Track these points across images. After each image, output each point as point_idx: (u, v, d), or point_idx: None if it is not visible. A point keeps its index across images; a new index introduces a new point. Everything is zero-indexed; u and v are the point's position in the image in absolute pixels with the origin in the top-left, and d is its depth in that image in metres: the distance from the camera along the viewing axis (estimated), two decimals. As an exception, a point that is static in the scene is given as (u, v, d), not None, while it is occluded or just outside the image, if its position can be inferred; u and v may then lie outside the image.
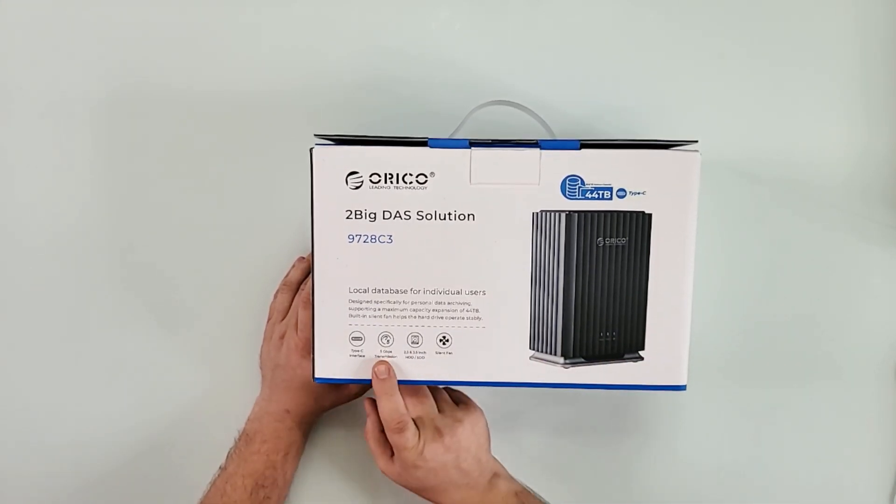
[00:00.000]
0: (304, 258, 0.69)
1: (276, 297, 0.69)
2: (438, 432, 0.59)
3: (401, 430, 0.58)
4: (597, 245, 0.55)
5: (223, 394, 0.71)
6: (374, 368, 0.57)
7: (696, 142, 0.55)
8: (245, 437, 0.66)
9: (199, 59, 0.69)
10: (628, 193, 0.54)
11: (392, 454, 0.60)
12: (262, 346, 0.69)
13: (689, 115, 0.68)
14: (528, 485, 0.63)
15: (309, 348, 0.60)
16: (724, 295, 0.69)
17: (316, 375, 0.57)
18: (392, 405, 0.57)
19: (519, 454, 0.67)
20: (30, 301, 0.71)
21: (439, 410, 0.61)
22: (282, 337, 0.66)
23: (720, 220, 0.68)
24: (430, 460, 0.58)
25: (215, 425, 0.69)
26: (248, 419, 0.68)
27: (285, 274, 0.69)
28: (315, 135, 0.56)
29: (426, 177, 0.54)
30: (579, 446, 0.71)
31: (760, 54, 0.68)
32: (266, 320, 0.69)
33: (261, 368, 0.69)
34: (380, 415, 0.59)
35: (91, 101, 0.69)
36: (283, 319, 0.67)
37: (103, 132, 0.69)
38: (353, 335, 0.57)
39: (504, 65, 0.68)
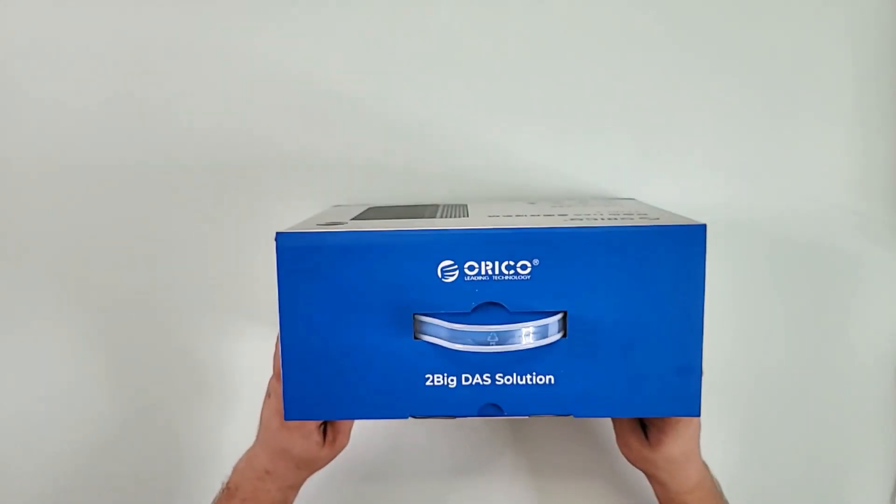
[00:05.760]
0: None
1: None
2: None
3: None
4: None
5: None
6: None
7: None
8: (227, 491, 0.61)
9: (200, 62, 0.68)
10: None
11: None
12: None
13: (688, 115, 0.67)
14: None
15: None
16: (724, 295, 0.68)
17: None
18: None
19: (517, 452, 0.67)
20: (34, 301, 0.71)
21: None
22: (269, 396, 0.61)
23: (719, 221, 0.67)
24: None
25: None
26: (234, 468, 0.62)
27: None
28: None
29: None
30: (577, 445, 0.71)
31: (760, 53, 0.67)
32: None
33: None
34: None
35: (92, 103, 0.68)
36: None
37: (104, 131, 0.69)
38: None
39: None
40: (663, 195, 0.67)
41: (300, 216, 0.57)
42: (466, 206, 0.61)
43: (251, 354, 0.69)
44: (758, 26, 0.66)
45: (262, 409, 0.62)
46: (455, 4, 0.67)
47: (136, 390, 0.72)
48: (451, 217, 0.55)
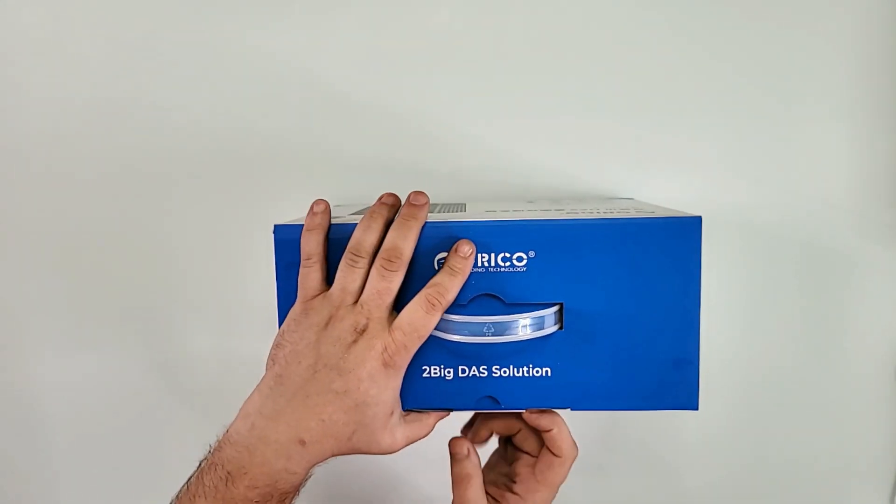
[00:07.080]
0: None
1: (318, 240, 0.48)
2: None
3: None
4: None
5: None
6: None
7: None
8: (221, 473, 0.44)
9: (201, 62, 0.69)
10: None
11: None
12: (286, 326, 0.48)
13: (687, 115, 0.68)
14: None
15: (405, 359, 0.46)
16: (723, 294, 0.68)
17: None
18: None
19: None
20: (32, 299, 0.71)
21: None
22: (361, 331, 0.46)
23: (718, 221, 0.67)
24: None
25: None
26: (229, 440, 0.45)
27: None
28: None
29: None
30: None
31: (759, 53, 0.67)
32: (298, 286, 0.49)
33: (272, 361, 0.47)
34: None
35: (89, 101, 0.69)
36: (354, 297, 0.47)
37: (101, 131, 0.69)
38: None
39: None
40: (662, 195, 0.68)
41: (300, 217, 0.57)
42: (465, 204, 0.61)
43: (251, 353, 0.69)
44: (757, 27, 0.66)
45: (316, 343, 0.46)
46: (456, 4, 0.67)
47: (134, 388, 0.72)
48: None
